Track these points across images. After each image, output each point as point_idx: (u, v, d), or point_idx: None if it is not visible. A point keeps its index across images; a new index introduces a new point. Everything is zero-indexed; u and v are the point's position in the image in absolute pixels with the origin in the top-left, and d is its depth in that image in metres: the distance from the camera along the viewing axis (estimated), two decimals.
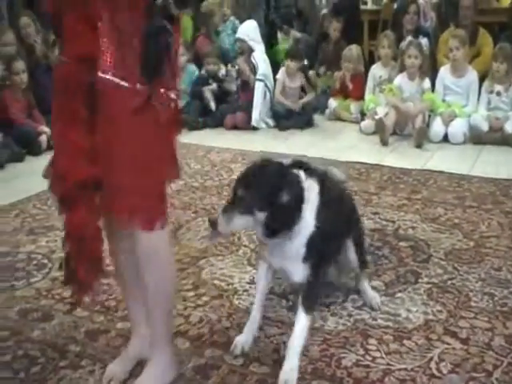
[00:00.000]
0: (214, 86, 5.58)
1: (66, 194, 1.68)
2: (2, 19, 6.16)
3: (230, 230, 1.93)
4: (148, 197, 1.66)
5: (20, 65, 4.75)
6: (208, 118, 5.44)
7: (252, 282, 2.53)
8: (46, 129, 4.64)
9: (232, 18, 6.67)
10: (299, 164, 2.02)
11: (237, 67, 5.55)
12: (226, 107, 5.52)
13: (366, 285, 2.39)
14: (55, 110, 1.71)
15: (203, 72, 5.76)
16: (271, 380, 1.89)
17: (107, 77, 1.59)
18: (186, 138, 5.04)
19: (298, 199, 1.86)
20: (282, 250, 1.94)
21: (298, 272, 1.96)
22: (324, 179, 2.03)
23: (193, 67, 5.91)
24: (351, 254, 2.29)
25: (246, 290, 2.46)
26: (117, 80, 1.59)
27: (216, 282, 2.53)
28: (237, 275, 2.58)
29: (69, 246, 1.74)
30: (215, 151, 4.62)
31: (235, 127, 5.32)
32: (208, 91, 5.54)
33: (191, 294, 2.43)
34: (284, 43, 6.61)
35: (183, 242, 2.93)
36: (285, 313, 2.29)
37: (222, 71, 5.65)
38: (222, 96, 5.62)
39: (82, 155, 1.63)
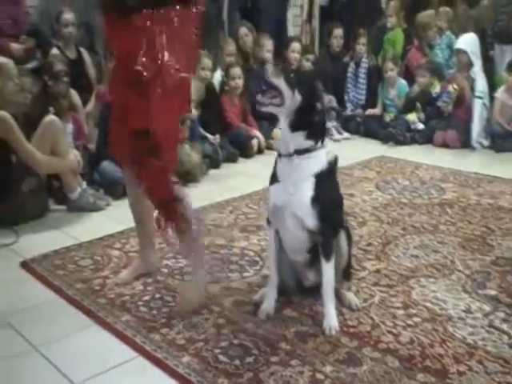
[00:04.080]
0: (422, 115, 5.39)
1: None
2: (222, 28, 6.57)
3: (273, 82, 2.02)
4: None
5: (237, 71, 5.04)
6: (416, 134, 5.26)
7: (468, 310, 2.35)
8: (258, 134, 4.93)
9: (448, 32, 6.38)
10: None
11: (451, 88, 5.26)
12: (436, 123, 5.28)
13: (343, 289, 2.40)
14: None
15: (416, 87, 5.57)
16: None
17: None
18: (393, 152, 4.96)
19: (323, 122, 2.13)
20: (292, 170, 2.07)
21: (308, 215, 2.08)
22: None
23: (403, 82, 5.77)
24: (343, 243, 2.29)
25: (461, 318, 2.29)
26: None
27: (428, 304, 2.40)
28: (450, 300, 2.42)
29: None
30: (423, 168, 4.44)
31: (445, 145, 5.06)
32: (413, 117, 5.38)
33: (401, 312, 2.34)
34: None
35: (391, 258, 2.85)
36: (506, 349, 2.08)
37: (436, 89, 5.41)
38: (432, 111, 5.39)
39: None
